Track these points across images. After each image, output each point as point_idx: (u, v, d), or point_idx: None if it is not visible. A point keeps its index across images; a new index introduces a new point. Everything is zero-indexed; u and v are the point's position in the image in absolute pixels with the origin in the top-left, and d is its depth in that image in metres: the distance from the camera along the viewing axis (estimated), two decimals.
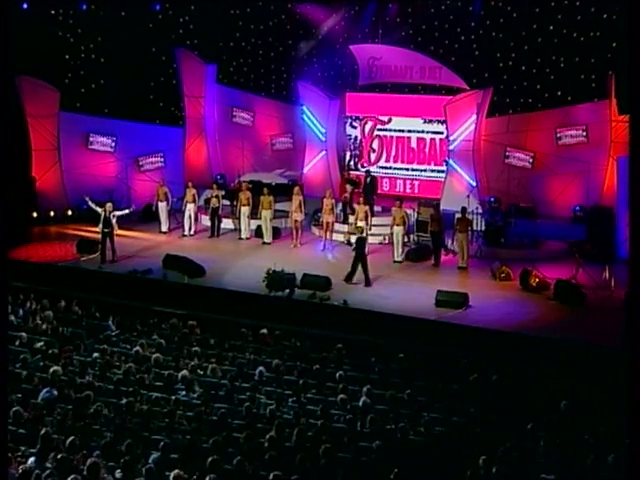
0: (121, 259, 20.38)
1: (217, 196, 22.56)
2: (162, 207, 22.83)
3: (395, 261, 20.22)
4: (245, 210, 22.26)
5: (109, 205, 20.46)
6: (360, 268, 18.63)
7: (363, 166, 25.49)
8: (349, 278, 18.66)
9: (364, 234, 19.20)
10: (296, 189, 22.00)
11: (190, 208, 22.62)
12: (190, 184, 22.85)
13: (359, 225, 19.57)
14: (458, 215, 20.06)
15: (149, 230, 23.08)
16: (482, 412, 11.94)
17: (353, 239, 19.57)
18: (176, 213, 23.33)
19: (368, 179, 22.89)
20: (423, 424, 11.27)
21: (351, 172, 24.99)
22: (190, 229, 22.79)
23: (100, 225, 20.25)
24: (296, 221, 21.64)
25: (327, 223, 21.32)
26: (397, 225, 20.28)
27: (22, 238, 21.48)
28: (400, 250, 20.29)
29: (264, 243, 21.92)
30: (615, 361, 12.53)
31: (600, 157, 21.98)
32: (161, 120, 25.78)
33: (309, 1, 25.31)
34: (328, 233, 21.42)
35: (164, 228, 23.01)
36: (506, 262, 19.29)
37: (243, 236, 22.40)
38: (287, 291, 17.85)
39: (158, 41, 25.77)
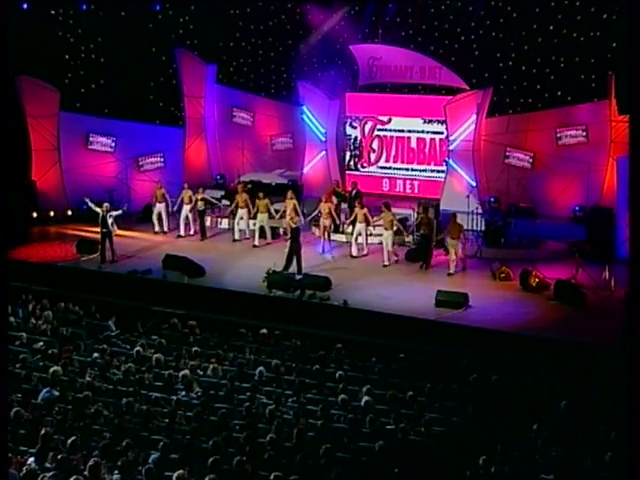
0: (121, 259, 20.40)
1: (203, 199, 22.40)
2: (160, 208, 22.77)
3: (385, 265, 19.91)
4: (243, 213, 22.12)
5: (106, 205, 20.49)
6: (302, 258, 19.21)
7: (363, 166, 25.52)
8: (286, 268, 19.03)
9: (299, 225, 19.76)
10: (289, 193, 21.50)
11: (186, 209, 22.57)
12: (186, 185, 22.79)
13: (294, 217, 19.94)
14: (455, 220, 19.67)
15: (149, 230, 23.07)
16: (482, 412, 11.94)
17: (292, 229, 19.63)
18: (175, 214, 23.27)
19: (353, 192, 22.34)
20: (423, 424, 11.28)
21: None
22: (188, 229, 22.69)
23: (100, 225, 20.28)
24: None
25: (324, 227, 21.13)
26: (385, 229, 20.05)
27: (22, 238, 21.49)
28: (388, 254, 20.02)
29: (254, 246, 21.68)
30: (615, 361, 12.54)
31: (600, 157, 21.98)
32: (161, 120, 25.79)
33: (309, 1, 25.31)
34: (326, 236, 21.23)
35: (165, 228, 22.89)
36: (506, 262, 19.28)
37: (237, 237, 22.22)
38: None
39: (158, 41, 25.78)
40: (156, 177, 24.83)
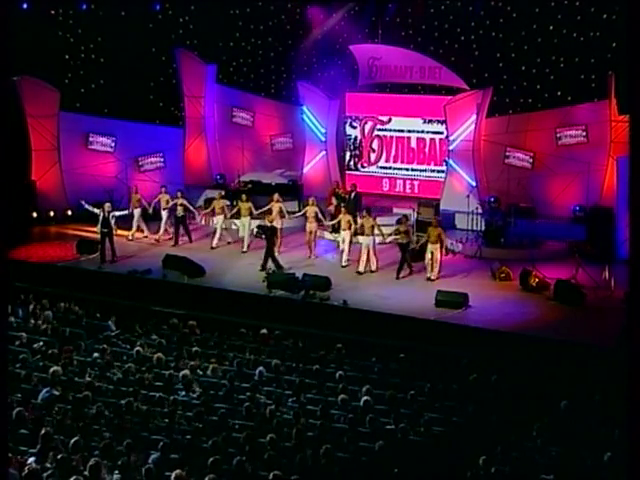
0: (121, 259, 20.39)
1: (182, 204, 21.66)
2: (137, 214, 22.18)
3: (358, 272, 19.22)
4: (219, 219, 21.55)
5: (107, 205, 20.46)
6: (275, 256, 19.40)
7: (363, 166, 25.53)
8: (264, 267, 19.15)
9: (275, 224, 19.71)
10: (275, 196, 21.07)
11: (164, 213, 22.09)
12: (163, 190, 22.27)
13: (271, 217, 19.98)
14: (434, 225, 19.08)
15: (149, 230, 23.01)
16: (482, 412, 11.94)
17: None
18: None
19: (352, 194, 22.03)
20: (423, 424, 11.27)
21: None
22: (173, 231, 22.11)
23: (99, 225, 20.26)
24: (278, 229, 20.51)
25: (310, 232, 20.49)
26: (366, 236, 19.26)
27: (22, 238, 21.48)
28: (365, 260, 19.27)
29: (243, 252, 20.98)
30: (615, 361, 12.54)
31: (600, 157, 21.97)
32: (161, 120, 25.77)
33: (310, 1, 25.31)
34: (313, 242, 20.57)
35: (131, 234, 22.22)
36: (506, 262, 19.29)
37: (214, 244, 21.46)
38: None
39: (158, 41, 25.77)
40: (156, 177, 24.87)
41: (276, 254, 19.66)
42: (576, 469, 10.09)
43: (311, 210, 20.64)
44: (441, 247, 18.90)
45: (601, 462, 10.01)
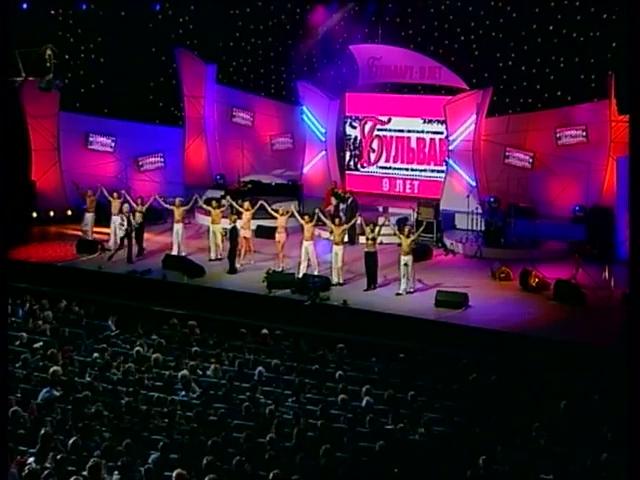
0: (120, 259, 20.34)
1: (141, 212, 20.72)
2: (89, 217, 21.74)
3: (340, 284, 18.41)
4: (178, 228, 20.67)
5: (126, 205, 20.52)
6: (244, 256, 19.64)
7: (363, 166, 25.52)
8: (231, 269, 19.31)
9: (237, 225, 19.52)
10: (246, 204, 20.17)
11: (115, 220, 21.11)
12: (115, 195, 21.39)
13: (234, 216, 19.85)
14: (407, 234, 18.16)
15: (150, 230, 22.94)
16: (482, 412, 11.94)
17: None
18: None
19: (349, 200, 21.80)
20: (423, 424, 11.27)
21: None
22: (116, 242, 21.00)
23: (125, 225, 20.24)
24: (245, 238, 19.84)
25: (278, 242, 19.41)
26: (336, 244, 18.42)
27: (22, 238, 21.49)
28: (337, 268, 18.44)
29: (210, 260, 20.18)
30: (615, 361, 12.54)
31: (600, 157, 21.98)
32: (161, 120, 25.79)
33: (310, 1, 25.30)
34: (282, 255, 19.43)
35: (89, 237, 21.73)
36: (506, 262, 19.30)
37: (174, 252, 20.44)
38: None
39: (158, 41, 25.78)
40: (156, 177, 24.87)
41: (236, 258, 19.44)
42: (576, 469, 10.09)
43: (281, 220, 19.56)
44: (414, 258, 18.15)
45: (601, 462, 10.01)
